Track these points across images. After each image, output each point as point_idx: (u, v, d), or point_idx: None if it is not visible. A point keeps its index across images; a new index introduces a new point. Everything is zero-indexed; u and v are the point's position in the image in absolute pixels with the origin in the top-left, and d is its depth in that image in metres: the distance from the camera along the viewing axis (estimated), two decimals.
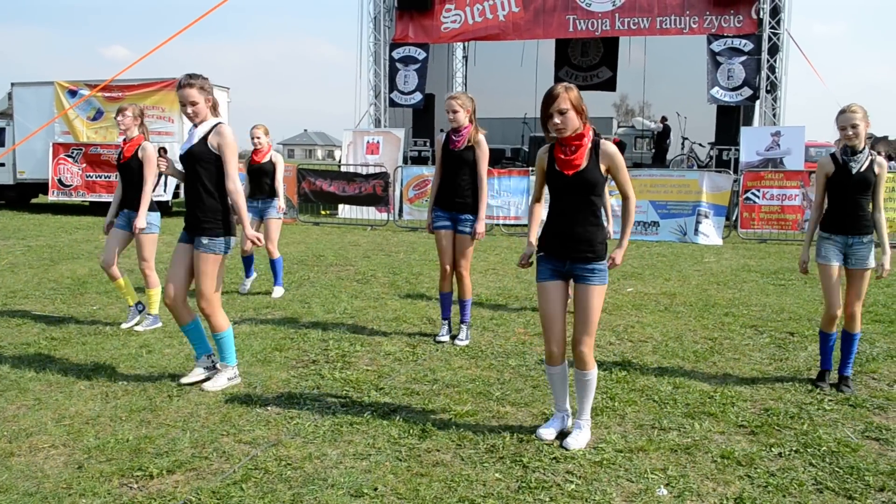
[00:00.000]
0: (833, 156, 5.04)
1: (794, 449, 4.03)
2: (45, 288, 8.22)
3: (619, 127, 28.47)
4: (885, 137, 23.83)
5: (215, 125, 4.77)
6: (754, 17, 16.30)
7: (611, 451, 3.95)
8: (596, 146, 3.93)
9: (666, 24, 17.02)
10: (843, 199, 4.98)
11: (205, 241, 4.74)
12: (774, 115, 16.56)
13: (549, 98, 3.86)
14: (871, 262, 5.00)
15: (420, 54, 18.82)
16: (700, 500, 3.44)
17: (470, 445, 4.01)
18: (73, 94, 17.83)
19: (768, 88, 16.47)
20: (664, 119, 22.18)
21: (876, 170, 4.92)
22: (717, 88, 16.44)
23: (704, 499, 3.46)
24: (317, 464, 3.76)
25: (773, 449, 4.02)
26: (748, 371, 5.47)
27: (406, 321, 6.88)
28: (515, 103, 22.72)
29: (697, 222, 13.58)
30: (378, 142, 17.88)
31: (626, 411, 4.56)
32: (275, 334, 6.29)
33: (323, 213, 17.28)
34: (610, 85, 22.99)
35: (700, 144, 19.91)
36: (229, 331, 4.97)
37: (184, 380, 4.94)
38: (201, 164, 4.74)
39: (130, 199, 6.38)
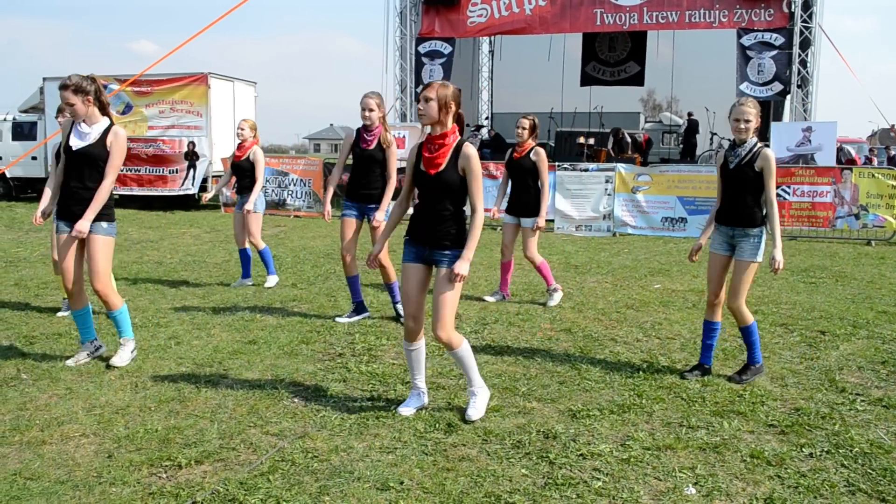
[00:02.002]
0: (725, 149, 5.13)
1: (825, 449, 3.97)
2: None
3: (646, 122, 28.25)
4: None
5: (110, 127, 5.09)
6: (785, 10, 16.07)
7: (638, 449, 3.92)
8: (458, 148, 4.11)
9: (695, 18, 16.83)
10: (726, 192, 5.10)
11: (105, 225, 5.09)
12: (805, 111, 16.33)
13: (423, 87, 4.17)
14: (752, 255, 5.04)
15: (446, 49, 18.79)
16: (729, 500, 3.41)
17: (496, 441, 4.00)
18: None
19: (799, 83, 16.24)
20: (690, 115, 21.96)
21: (758, 164, 4.90)
22: (746, 83, 16.23)
23: (734, 498, 3.42)
24: (343, 456, 3.77)
25: (803, 449, 3.97)
26: (778, 370, 5.39)
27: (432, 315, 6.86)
28: (541, 98, 22.65)
29: None
30: (404, 136, 17.88)
31: (654, 409, 4.52)
32: (301, 327, 6.32)
33: None
34: (638, 80, 22.81)
35: (729, 140, 19.66)
36: (124, 308, 5.34)
37: (69, 361, 5.21)
38: (97, 162, 5.01)
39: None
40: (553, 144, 20.46)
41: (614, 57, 22.41)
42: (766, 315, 7.09)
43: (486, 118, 24.80)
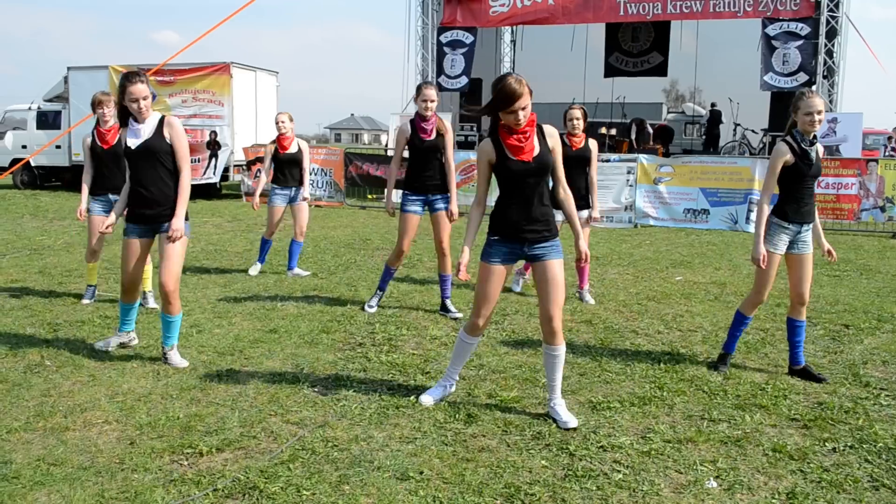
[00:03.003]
0: (789, 143, 4.84)
1: (848, 444, 3.92)
2: (99, 267, 8.38)
3: (668, 112, 27.98)
4: None
5: (162, 118, 4.93)
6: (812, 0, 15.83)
7: (659, 442, 3.90)
8: (540, 129, 4.04)
9: (719, 7, 16.62)
10: (803, 188, 4.88)
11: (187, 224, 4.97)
12: (831, 102, 16.10)
13: (514, 96, 3.83)
14: (812, 247, 5.00)
15: (468, 38, 18.71)
16: (751, 494, 3.38)
17: (516, 432, 4.00)
18: None
19: (825, 74, 16.01)
20: (713, 105, 21.73)
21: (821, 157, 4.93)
22: (771, 74, 16.02)
23: (755, 493, 3.39)
24: (363, 446, 3.78)
25: (826, 444, 3.92)
26: None
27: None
28: (564, 88, 22.48)
29: (749, 210, 13.30)
30: None
31: (675, 401, 4.49)
32: (322, 317, 6.34)
33: (370, 197, 17.35)
34: (661, 70, 22.58)
35: (753, 131, 19.46)
36: (180, 315, 5.14)
37: (99, 344, 5.29)
38: (159, 157, 4.87)
39: (116, 184, 6.48)
40: None
41: (637, 47, 22.21)
42: (788, 308, 7.00)
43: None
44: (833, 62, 16.06)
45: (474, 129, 18.98)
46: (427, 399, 4.36)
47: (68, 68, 18.81)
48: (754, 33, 16.65)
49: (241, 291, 7.31)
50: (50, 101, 20.19)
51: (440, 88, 19.08)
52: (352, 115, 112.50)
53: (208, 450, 3.69)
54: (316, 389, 4.58)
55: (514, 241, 4.08)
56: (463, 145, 18.68)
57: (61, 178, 19.72)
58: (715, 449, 3.84)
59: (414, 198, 6.42)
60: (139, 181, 4.90)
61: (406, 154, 6.54)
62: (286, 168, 8.22)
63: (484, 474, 3.50)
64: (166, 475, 3.44)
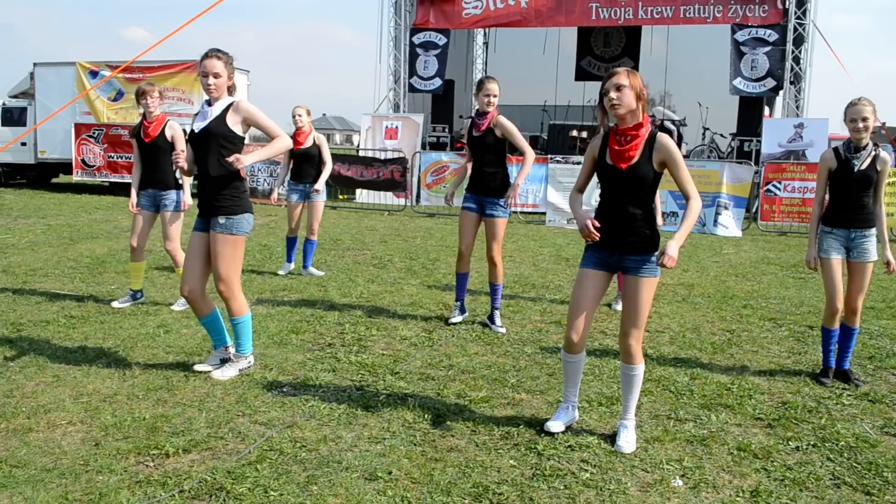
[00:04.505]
0: (836, 150, 5.00)
1: (811, 443, 3.99)
2: (64, 266, 8.28)
3: None
4: None
5: (231, 103, 4.65)
6: (779, 6, 16.08)
7: None
8: (652, 139, 3.71)
9: (689, 13, 16.82)
10: (846, 195, 4.93)
11: (222, 220, 4.59)
12: (797, 107, 16.37)
13: (610, 74, 3.71)
14: (874, 255, 4.96)
15: (441, 40, 18.74)
16: (716, 492, 3.42)
17: (485, 432, 4.01)
18: (94, 74, 17.92)
19: (792, 80, 16.27)
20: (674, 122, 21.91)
21: (878, 166, 4.89)
22: (739, 79, 16.25)
23: (720, 491, 3.44)
24: (331, 446, 3.77)
25: (790, 442, 3.99)
26: (766, 364, 5.42)
27: (422, 306, 6.87)
28: (535, 91, 22.57)
29: (717, 213, 13.48)
30: (397, 127, 17.86)
31: (643, 401, 4.53)
32: (291, 317, 6.30)
33: (341, 197, 17.30)
34: None
35: (721, 135, 19.70)
36: (248, 316, 4.85)
37: (198, 367, 4.86)
38: (219, 143, 4.58)
39: (156, 178, 6.39)
40: (546, 137, 20.44)
41: (609, 52, 22.38)
42: (755, 310, 7.11)
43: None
44: (800, 68, 16.31)
45: (446, 129, 18.98)
46: (555, 425, 3.99)
47: (34, 64, 18.51)
48: (724, 39, 16.87)
49: (210, 291, 7.23)
50: (15, 97, 19.87)
51: (411, 89, 19.10)
52: (324, 115, 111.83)
53: (175, 451, 3.65)
54: (284, 390, 4.55)
55: (604, 249, 3.86)
56: (435, 146, 18.68)
57: (26, 176, 19.38)
58: (681, 448, 3.89)
59: (467, 196, 6.18)
60: (200, 165, 4.65)
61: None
62: (301, 164, 8.18)
63: (452, 474, 3.51)
64: (132, 476, 3.40)
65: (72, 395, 4.36)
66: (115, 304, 6.55)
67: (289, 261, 8.40)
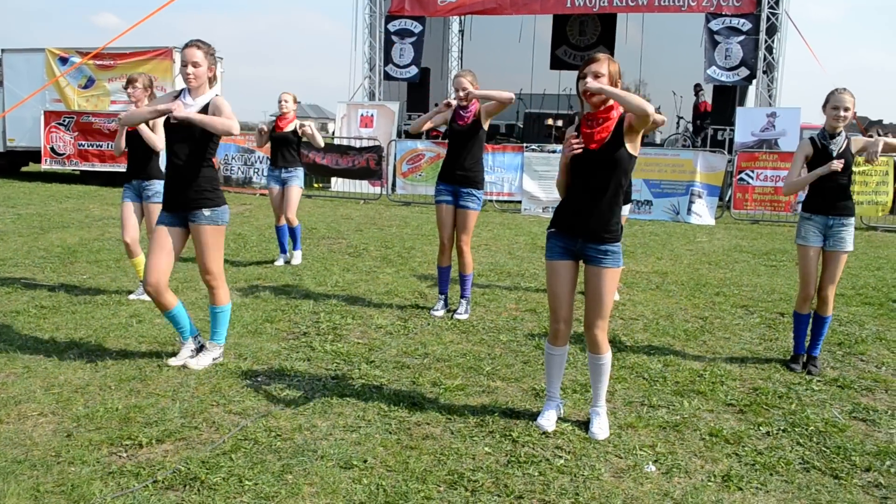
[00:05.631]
0: (812, 139, 5.06)
1: (781, 428, 4.05)
2: (34, 256, 8.17)
3: None
4: (880, 121, 23.83)
5: (212, 99, 4.62)
6: None
7: None
8: (622, 120, 3.69)
9: (665, 2, 16.85)
10: (825, 178, 4.98)
11: (207, 213, 4.61)
12: (770, 96, 16.49)
13: (591, 60, 3.69)
14: (850, 246, 5.04)
15: (416, 27, 18.63)
16: (688, 477, 3.46)
17: (460, 419, 4.02)
18: (63, 61, 17.61)
19: (765, 69, 16.39)
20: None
21: (853, 149, 4.97)
22: (714, 68, 16.35)
23: (692, 476, 3.48)
24: (306, 435, 3.76)
25: (761, 428, 4.05)
26: (738, 350, 5.49)
27: (397, 295, 6.87)
28: (511, 79, 22.56)
29: (690, 202, 13.58)
30: (372, 115, 17.77)
31: (616, 388, 4.58)
32: (266, 306, 6.27)
33: (315, 186, 17.20)
34: None
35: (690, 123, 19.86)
36: (230, 306, 4.91)
37: (172, 361, 4.78)
38: (196, 136, 4.55)
39: (140, 169, 6.32)
40: (521, 126, 20.47)
41: (584, 41, 22.42)
42: (727, 297, 7.19)
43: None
44: (773, 58, 16.44)
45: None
46: (546, 422, 3.96)
47: (2, 50, 18.14)
48: (698, 28, 16.96)
49: (182, 280, 7.18)
50: None
51: (387, 77, 19.00)
52: (298, 102, 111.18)
53: (148, 441, 3.63)
54: (259, 379, 4.54)
55: (569, 236, 3.87)
56: (411, 135, 18.60)
57: None
58: (654, 434, 3.93)
59: (442, 187, 6.18)
60: (174, 158, 4.64)
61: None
62: (278, 148, 8.17)
63: (427, 461, 3.52)
64: (104, 467, 3.37)
65: (43, 385, 4.31)
66: (131, 296, 6.48)
67: (283, 251, 8.35)
